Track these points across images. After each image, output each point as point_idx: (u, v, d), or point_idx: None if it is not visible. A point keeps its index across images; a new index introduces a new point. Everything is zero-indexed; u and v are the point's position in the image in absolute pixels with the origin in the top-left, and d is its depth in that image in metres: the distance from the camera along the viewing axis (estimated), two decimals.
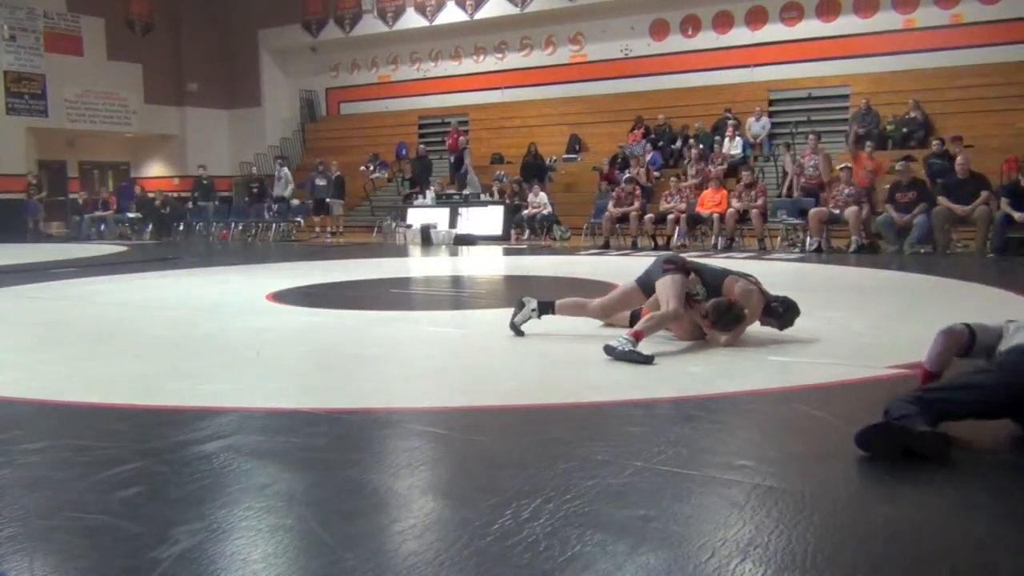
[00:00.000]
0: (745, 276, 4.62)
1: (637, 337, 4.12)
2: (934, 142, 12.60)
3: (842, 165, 11.55)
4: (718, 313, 4.34)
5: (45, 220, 20.47)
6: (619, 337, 4.12)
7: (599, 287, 7.19)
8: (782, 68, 16.93)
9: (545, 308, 4.77)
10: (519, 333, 4.75)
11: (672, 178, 13.55)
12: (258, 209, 18.09)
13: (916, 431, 2.54)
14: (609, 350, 4.04)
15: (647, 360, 3.96)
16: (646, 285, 4.62)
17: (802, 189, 12.35)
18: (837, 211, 10.95)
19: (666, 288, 4.40)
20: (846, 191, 10.99)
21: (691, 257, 5.13)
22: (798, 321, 4.68)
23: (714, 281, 4.57)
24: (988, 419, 2.71)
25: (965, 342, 3.09)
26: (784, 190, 13.23)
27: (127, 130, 22.32)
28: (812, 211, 11.20)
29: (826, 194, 11.55)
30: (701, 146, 15.25)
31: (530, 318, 4.76)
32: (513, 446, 2.84)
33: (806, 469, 2.52)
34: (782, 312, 4.53)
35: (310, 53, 23.00)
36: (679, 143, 16.09)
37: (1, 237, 16.38)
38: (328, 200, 17.61)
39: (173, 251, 13.71)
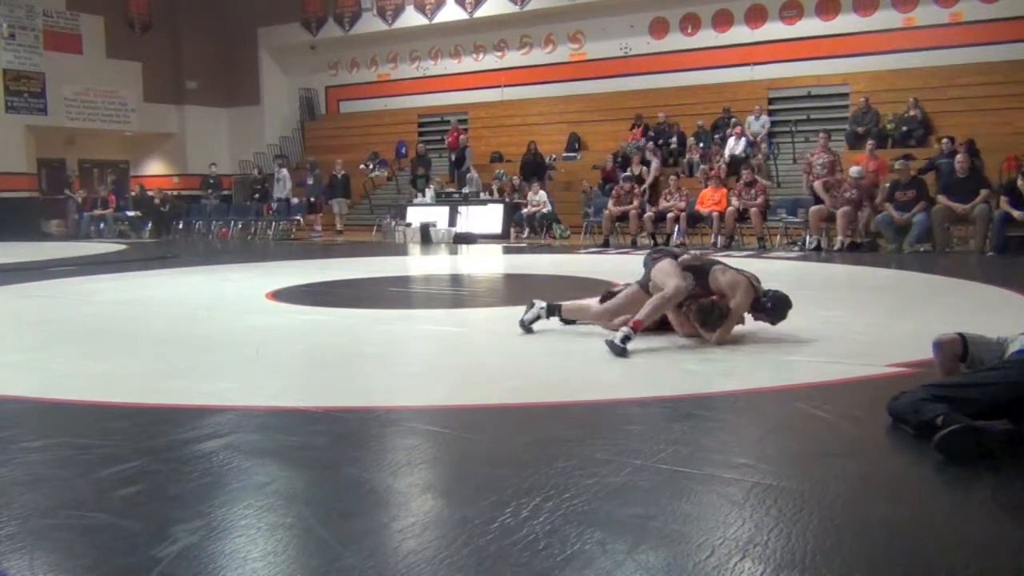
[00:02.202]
0: (738, 271, 4.63)
1: (636, 326, 4.21)
2: (943, 140, 12.44)
3: (854, 168, 11.49)
4: (703, 315, 4.36)
5: (46, 218, 20.52)
6: (622, 328, 4.22)
7: (599, 285, 7.20)
8: (782, 66, 16.91)
9: (552, 310, 4.83)
10: (528, 331, 4.79)
11: (672, 176, 13.55)
12: (258, 208, 18.13)
13: (998, 431, 2.51)
14: (608, 343, 4.17)
15: (623, 353, 4.06)
16: (647, 285, 4.63)
17: (811, 187, 12.33)
18: (836, 210, 10.94)
19: (662, 271, 4.45)
20: (847, 193, 10.98)
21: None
22: (797, 320, 4.68)
23: (702, 269, 4.57)
24: (996, 418, 2.69)
25: (959, 349, 3.10)
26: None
27: (126, 128, 22.30)
28: (812, 209, 11.20)
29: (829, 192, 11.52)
30: (701, 144, 15.24)
31: (539, 316, 4.81)
32: (512, 444, 2.84)
33: (805, 467, 2.52)
34: (771, 307, 4.50)
35: (309, 51, 22.97)
36: (674, 141, 16.11)
37: (2, 236, 16.38)
38: (330, 200, 17.67)
39: (172, 249, 13.71)
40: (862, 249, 10.67)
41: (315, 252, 13.11)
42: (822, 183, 11.35)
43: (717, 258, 4.97)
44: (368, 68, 22.55)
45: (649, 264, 4.60)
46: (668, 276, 4.40)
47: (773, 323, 4.57)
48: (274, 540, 2.05)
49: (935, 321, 5.17)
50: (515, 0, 19.29)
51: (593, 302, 4.92)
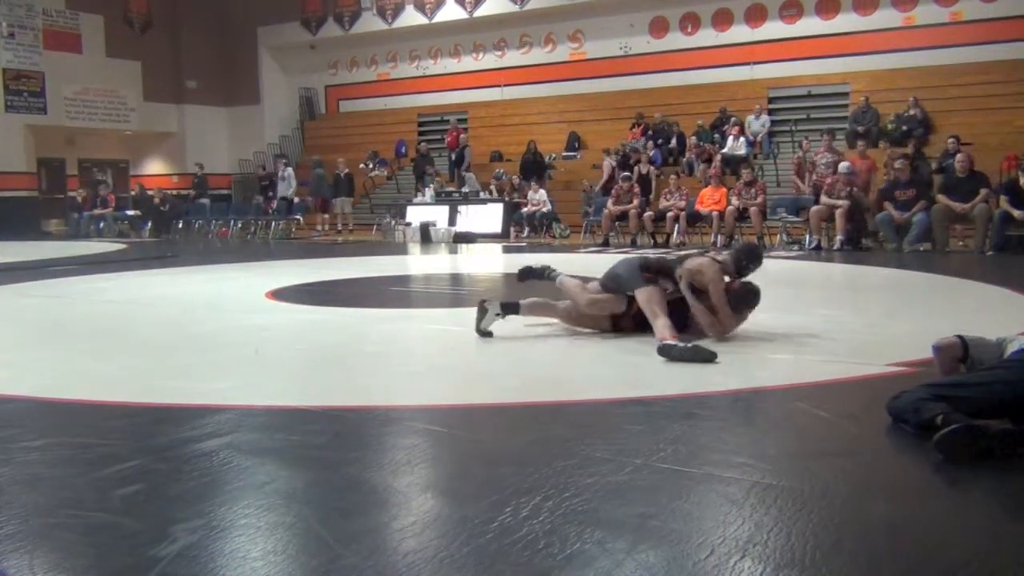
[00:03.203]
0: (699, 254, 4.71)
1: (675, 339, 4.05)
2: (949, 140, 12.36)
3: (843, 164, 11.51)
4: (739, 301, 4.48)
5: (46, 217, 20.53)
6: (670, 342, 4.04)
7: None
8: (782, 66, 16.93)
9: (509, 309, 4.71)
10: (488, 335, 4.67)
11: (672, 176, 13.56)
12: (259, 206, 18.12)
13: (997, 430, 2.50)
14: (666, 350, 3.97)
15: (711, 356, 3.91)
16: (616, 290, 4.57)
17: (813, 186, 12.32)
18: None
19: (647, 301, 4.33)
20: (842, 192, 10.97)
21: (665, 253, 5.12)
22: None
23: (672, 271, 4.56)
24: (996, 417, 2.69)
25: (958, 352, 3.10)
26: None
27: (126, 127, 22.31)
28: (813, 209, 11.19)
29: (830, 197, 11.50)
30: (700, 142, 15.24)
31: (495, 320, 4.69)
32: (512, 444, 2.84)
33: (805, 467, 2.52)
34: (747, 261, 4.56)
35: (309, 51, 22.98)
36: (674, 142, 16.12)
37: (1, 235, 16.39)
38: (333, 199, 17.69)
39: (172, 249, 13.70)
40: (862, 248, 10.67)
41: (315, 251, 13.11)
42: (826, 193, 11.30)
43: (676, 255, 4.95)
44: (368, 67, 22.57)
45: (635, 279, 4.46)
46: (655, 307, 4.28)
47: (759, 266, 4.60)
48: (274, 539, 2.05)
49: (935, 320, 5.17)
50: None
51: (556, 303, 4.80)
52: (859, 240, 10.90)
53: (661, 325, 4.19)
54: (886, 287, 7.38)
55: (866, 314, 5.49)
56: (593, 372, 3.92)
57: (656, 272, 4.49)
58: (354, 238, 16.25)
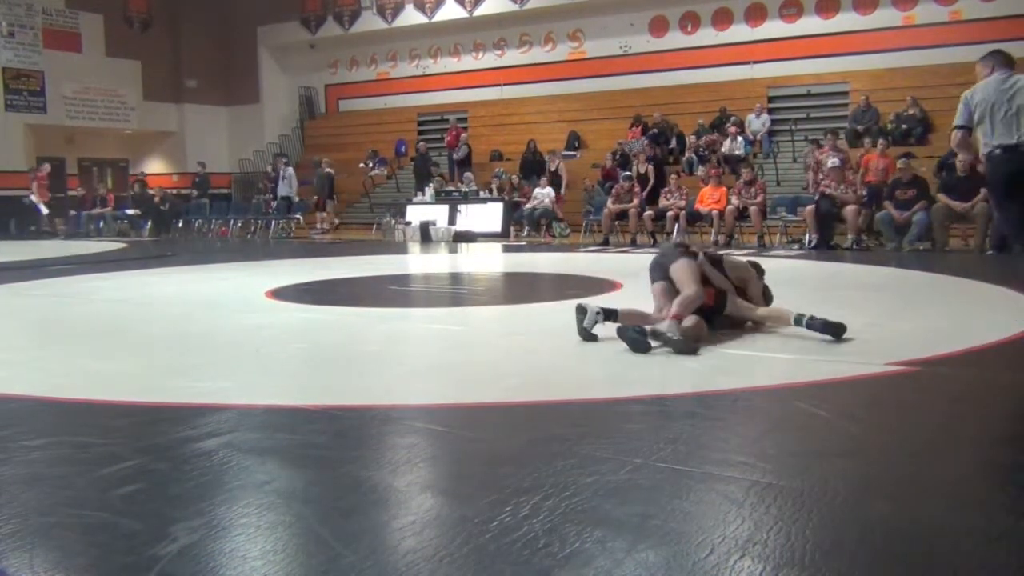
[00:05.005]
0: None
1: (678, 319, 4.22)
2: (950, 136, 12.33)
3: (830, 163, 11.48)
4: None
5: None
6: (667, 323, 4.22)
7: (599, 284, 7.21)
8: (782, 65, 16.94)
9: (609, 314, 4.55)
10: (592, 337, 4.50)
11: (672, 175, 13.56)
12: (257, 207, 18.11)
13: None
14: (656, 335, 4.16)
15: (693, 350, 4.07)
16: (656, 275, 4.67)
17: (818, 185, 12.27)
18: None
19: (682, 273, 4.50)
20: (847, 190, 10.97)
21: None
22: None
23: (721, 261, 4.84)
24: None
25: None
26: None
27: (126, 127, 22.31)
28: (809, 208, 11.19)
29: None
30: (702, 139, 15.24)
31: (596, 322, 4.52)
32: (512, 443, 2.84)
33: (805, 466, 2.52)
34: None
35: (309, 50, 22.99)
36: (673, 142, 16.11)
37: (1, 234, 16.40)
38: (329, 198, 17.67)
39: (172, 248, 13.70)
40: (862, 247, 10.66)
41: (315, 251, 13.11)
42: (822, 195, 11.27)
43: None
44: (368, 67, 22.57)
45: (672, 254, 4.64)
46: (688, 281, 4.44)
47: None
48: (274, 539, 2.05)
49: (935, 320, 5.18)
50: None
51: (648, 312, 4.71)
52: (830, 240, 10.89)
53: (686, 296, 4.34)
54: (886, 287, 7.38)
55: (866, 314, 5.48)
56: (593, 372, 3.92)
57: (689, 255, 4.64)
58: (330, 237, 16.18)
